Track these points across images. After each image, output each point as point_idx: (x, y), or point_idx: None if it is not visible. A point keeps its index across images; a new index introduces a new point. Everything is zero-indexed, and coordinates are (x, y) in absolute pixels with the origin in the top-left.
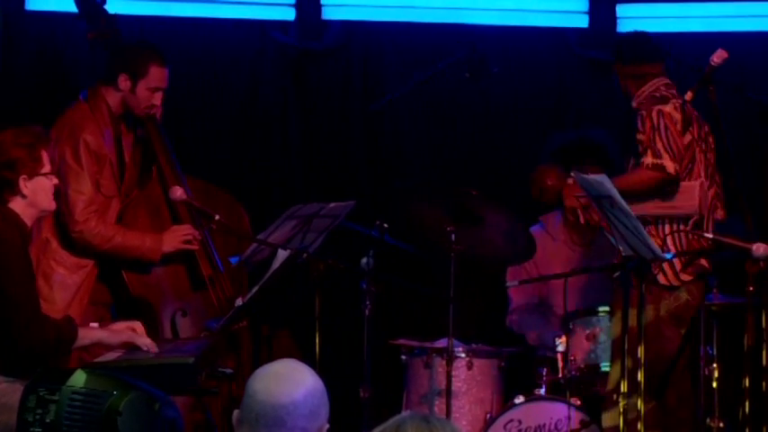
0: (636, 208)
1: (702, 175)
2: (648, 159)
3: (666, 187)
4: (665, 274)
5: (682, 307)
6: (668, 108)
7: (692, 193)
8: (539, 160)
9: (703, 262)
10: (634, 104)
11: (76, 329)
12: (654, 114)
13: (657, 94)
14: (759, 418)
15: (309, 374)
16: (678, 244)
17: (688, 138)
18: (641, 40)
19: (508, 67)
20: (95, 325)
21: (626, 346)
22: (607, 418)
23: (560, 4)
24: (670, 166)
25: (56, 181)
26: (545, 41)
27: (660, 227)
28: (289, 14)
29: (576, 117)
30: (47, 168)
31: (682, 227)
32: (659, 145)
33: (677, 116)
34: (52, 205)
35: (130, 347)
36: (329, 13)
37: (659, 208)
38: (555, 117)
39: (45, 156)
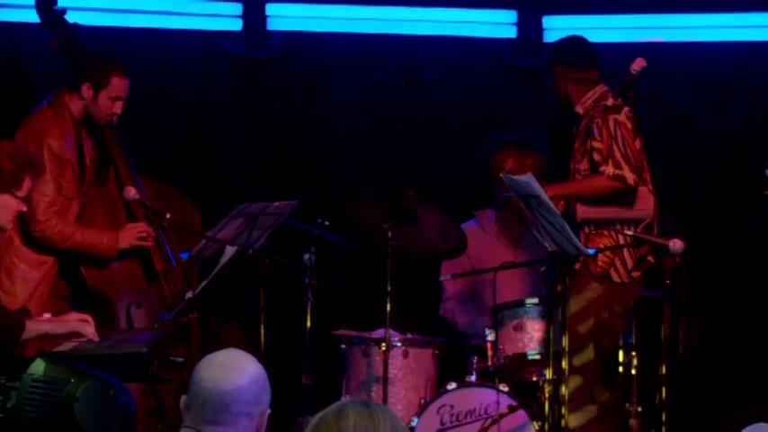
0: (596, 211)
1: (649, 179)
2: (609, 169)
3: (624, 196)
4: (617, 273)
5: (632, 301)
6: (622, 117)
7: (649, 199)
8: (476, 159)
9: (650, 258)
10: (579, 110)
11: (23, 324)
12: (611, 124)
13: (609, 103)
14: (674, 402)
15: (252, 363)
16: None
17: (638, 144)
18: (583, 44)
19: (442, 74)
20: (48, 315)
21: (553, 336)
22: (573, 420)
23: (490, 16)
24: (630, 178)
25: (23, 208)
26: (476, 51)
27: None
28: (236, 25)
29: (504, 122)
30: (22, 193)
31: (618, 227)
32: (618, 155)
33: (630, 125)
34: (7, 225)
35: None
36: (274, 24)
37: (619, 213)
38: (485, 122)
39: (27, 183)
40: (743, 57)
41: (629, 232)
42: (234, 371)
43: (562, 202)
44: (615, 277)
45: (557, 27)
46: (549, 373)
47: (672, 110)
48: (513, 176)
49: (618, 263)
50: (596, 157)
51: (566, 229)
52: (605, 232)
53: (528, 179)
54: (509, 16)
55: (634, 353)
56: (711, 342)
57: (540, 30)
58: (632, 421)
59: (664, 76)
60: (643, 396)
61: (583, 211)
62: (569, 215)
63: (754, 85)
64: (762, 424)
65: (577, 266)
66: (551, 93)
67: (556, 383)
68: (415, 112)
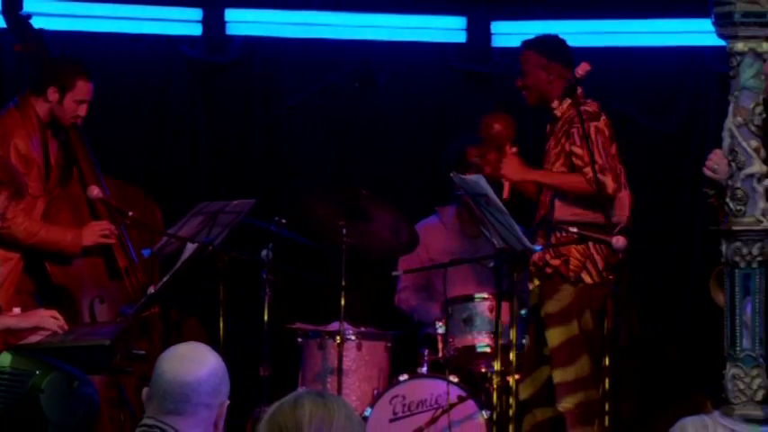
0: (576, 213)
1: (625, 181)
2: (591, 174)
3: (604, 201)
4: (590, 275)
5: (603, 300)
6: (601, 125)
7: (625, 203)
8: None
9: (620, 256)
10: (557, 110)
11: None
12: (592, 131)
13: (590, 108)
14: (616, 393)
15: (212, 355)
16: (599, 249)
17: (614, 149)
18: (563, 42)
19: (394, 78)
20: (17, 310)
21: (500, 330)
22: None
23: (440, 21)
24: (611, 187)
25: None
26: (427, 55)
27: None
28: (196, 30)
29: (454, 124)
30: None
31: (563, 225)
32: (601, 162)
33: (608, 132)
34: None
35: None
36: (232, 29)
37: (598, 218)
38: (436, 123)
39: (3, 198)
40: (683, 61)
41: (574, 230)
42: (194, 363)
43: (546, 201)
44: (588, 279)
45: (505, 32)
46: (497, 365)
47: (615, 112)
48: (463, 176)
49: (590, 265)
50: (577, 162)
51: (513, 227)
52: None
53: (476, 178)
54: (459, 22)
55: None
56: (652, 335)
57: (488, 35)
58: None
59: (607, 79)
60: None
61: (561, 213)
62: (547, 216)
63: (694, 89)
64: (702, 416)
65: (549, 271)
66: (521, 91)
67: (503, 375)
68: (368, 114)
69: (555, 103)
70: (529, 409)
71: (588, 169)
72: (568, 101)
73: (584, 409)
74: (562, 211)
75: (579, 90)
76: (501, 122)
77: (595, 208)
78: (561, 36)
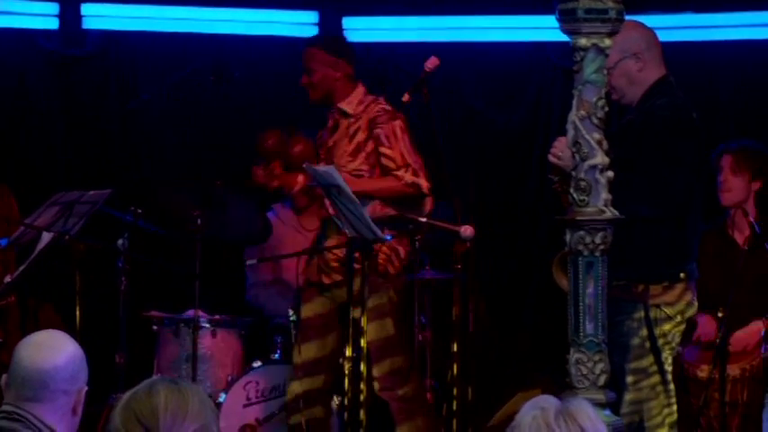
0: (384, 211)
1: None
2: (408, 177)
3: (417, 200)
4: (393, 266)
5: (406, 287)
6: (402, 123)
7: (429, 202)
8: None
9: (468, 245)
10: (348, 109)
11: None
12: (398, 131)
13: (387, 107)
14: (464, 377)
15: (70, 343)
16: (403, 241)
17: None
18: (343, 38)
19: (249, 71)
20: None
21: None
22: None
23: (293, 16)
24: (425, 186)
25: None
26: (280, 49)
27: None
28: (53, 24)
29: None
30: None
31: (413, 216)
32: (413, 163)
33: (407, 129)
34: None
35: None
36: (89, 23)
37: (405, 212)
38: (287, 115)
39: None
40: (528, 56)
41: (423, 219)
42: (52, 350)
43: None
44: (391, 270)
45: (356, 28)
46: (348, 351)
47: (463, 105)
48: (315, 167)
49: (394, 257)
50: (388, 163)
51: (364, 216)
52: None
53: (329, 170)
54: (311, 17)
55: (428, 332)
56: (499, 321)
57: (340, 30)
58: (426, 395)
59: (456, 74)
60: (436, 372)
61: (372, 211)
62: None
63: (539, 83)
64: (545, 396)
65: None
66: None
67: (355, 360)
68: (222, 106)
69: (347, 101)
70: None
71: (402, 172)
72: (356, 99)
73: (405, 401)
74: (373, 211)
75: (364, 88)
76: (272, 138)
77: (408, 206)
78: (404, 30)
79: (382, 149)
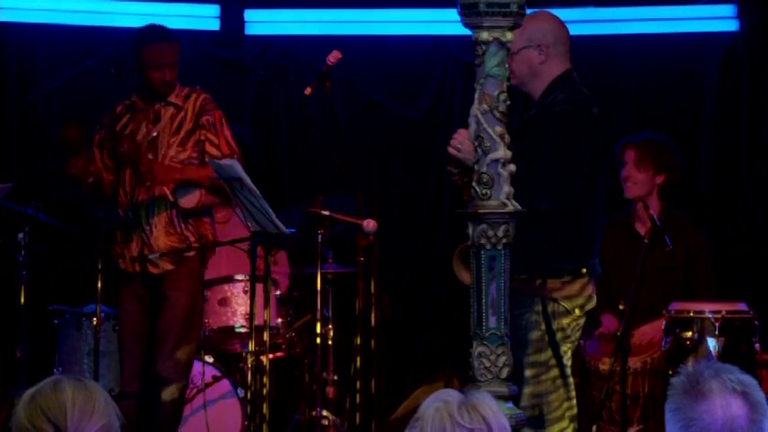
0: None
1: None
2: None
3: None
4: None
5: None
6: (222, 113)
7: None
8: None
9: (371, 238)
10: (177, 100)
11: None
12: (222, 119)
13: (209, 97)
14: (367, 371)
15: None
16: None
17: None
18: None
19: None
20: None
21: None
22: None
23: (195, 9)
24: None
25: None
26: (181, 42)
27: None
28: None
29: None
30: None
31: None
32: (231, 151)
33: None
34: None
35: None
36: None
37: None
38: None
39: None
40: (430, 50)
41: (326, 212)
42: None
43: None
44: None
45: (258, 20)
46: (251, 345)
47: (365, 99)
48: (218, 161)
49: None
50: (212, 150)
51: (267, 210)
52: None
53: (231, 163)
54: (213, 10)
55: (330, 325)
56: (402, 315)
57: (241, 23)
58: (329, 389)
59: (358, 67)
60: (339, 366)
61: (197, 200)
62: None
63: (440, 76)
64: (448, 389)
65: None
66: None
67: (258, 354)
68: (123, 99)
69: (173, 96)
70: None
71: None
72: (181, 88)
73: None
74: (185, 202)
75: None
76: (73, 130)
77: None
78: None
79: (210, 136)
